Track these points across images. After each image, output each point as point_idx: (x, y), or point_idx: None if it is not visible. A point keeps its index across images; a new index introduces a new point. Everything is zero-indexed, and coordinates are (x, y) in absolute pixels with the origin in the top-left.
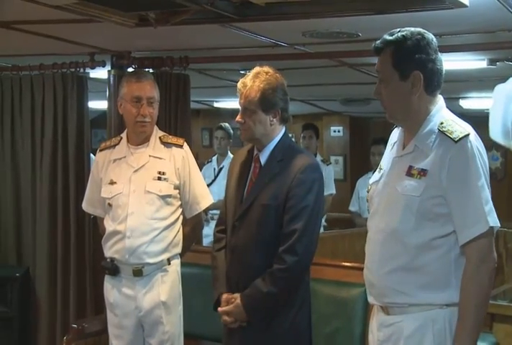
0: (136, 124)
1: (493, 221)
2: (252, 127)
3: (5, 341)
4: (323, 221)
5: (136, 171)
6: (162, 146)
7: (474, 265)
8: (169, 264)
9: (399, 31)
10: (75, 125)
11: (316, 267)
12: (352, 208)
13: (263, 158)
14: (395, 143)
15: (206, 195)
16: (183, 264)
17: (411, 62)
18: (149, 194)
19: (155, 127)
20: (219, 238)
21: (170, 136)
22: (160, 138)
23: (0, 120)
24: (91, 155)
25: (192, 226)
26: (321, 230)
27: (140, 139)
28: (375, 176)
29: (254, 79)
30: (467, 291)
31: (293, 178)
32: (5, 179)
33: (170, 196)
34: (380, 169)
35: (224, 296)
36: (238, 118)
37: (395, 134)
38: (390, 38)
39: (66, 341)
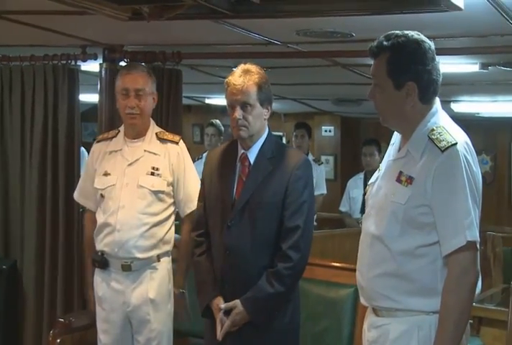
0: (126, 116)
1: (471, 235)
2: (252, 123)
3: None
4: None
5: (130, 164)
6: (158, 141)
7: (455, 278)
8: (158, 261)
9: (396, 36)
10: (65, 117)
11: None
12: (343, 208)
13: (252, 156)
14: (393, 145)
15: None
16: (173, 261)
17: (406, 72)
18: (142, 188)
19: (152, 122)
20: (200, 243)
21: (167, 133)
22: (156, 134)
23: None
24: (82, 148)
25: (188, 225)
26: None
27: (134, 132)
28: (373, 177)
29: (248, 74)
30: (447, 304)
31: (290, 174)
32: None
33: (162, 192)
34: (379, 170)
35: (222, 305)
36: (237, 114)
37: (395, 135)
38: (386, 44)
39: (52, 335)
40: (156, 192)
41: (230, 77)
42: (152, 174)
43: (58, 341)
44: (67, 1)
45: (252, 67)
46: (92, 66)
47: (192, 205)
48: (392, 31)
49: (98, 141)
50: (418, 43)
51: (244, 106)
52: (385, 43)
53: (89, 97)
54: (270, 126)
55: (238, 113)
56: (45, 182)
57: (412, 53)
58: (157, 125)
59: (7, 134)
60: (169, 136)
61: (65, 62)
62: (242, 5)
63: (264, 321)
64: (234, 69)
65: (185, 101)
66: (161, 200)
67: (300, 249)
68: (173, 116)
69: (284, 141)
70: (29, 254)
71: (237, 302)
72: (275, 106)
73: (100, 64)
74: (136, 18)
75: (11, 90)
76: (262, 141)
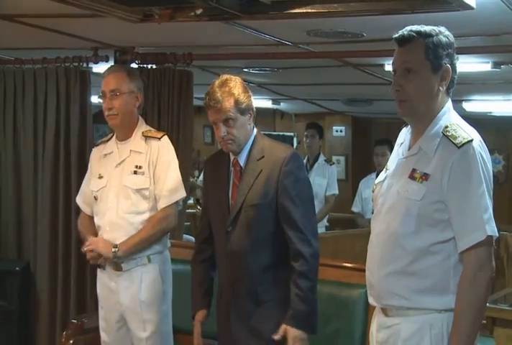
0: (107, 118)
1: (491, 229)
2: (237, 134)
3: (4, 335)
4: (325, 221)
5: (117, 166)
6: (143, 140)
7: (472, 273)
8: (149, 261)
9: (421, 26)
10: (77, 119)
11: None
12: (355, 208)
13: (242, 160)
14: (402, 143)
15: (174, 190)
16: (179, 261)
17: (444, 55)
18: (126, 188)
19: (140, 122)
20: (202, 249)
21: (152, 131)
22: (142, 132)
23: (2, 113)
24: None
25: (159, 217)
26: (323, 230)
27: (121, 134)
28: (381, 176)
29: (223, 89)
30: (463, 300)
31: (279, 172)
32: (6, 173)
33: (146, 189)
34: (386, 169)
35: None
36: (223, 132)
37: (403, 135)
38: (421, 30)
39: (65, 336)
40: (139, 190)
41: (207, 98)
42: (135, 172)
43: (71, 342)
44: (79, 3)
45: (227, 81)
46: (103, 68)
47: (166, 200)
48: (414, 25)
49: (96, 145)
50: (447, 31)
51: (226, 121)
52: (419, 29)
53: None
54: (282, 126)
55: (222, 130)
56: (58, 184)
57: (447, 38)
58: (168, 126)
59: (20, 135)
60: (153, 133)
61: (76, 64)
62: (253, 6)
63: (315, 322)
64: (245, 70)
65: (195, 102)
66: (146, 198)
67: (310, 242)
68: (184, 117)
69: (295, 141)
70: (42, 255)
71: (284, 329)
72: (287, 106)
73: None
74: (148, 20)
75: (24, 92)
76: (250, 144)
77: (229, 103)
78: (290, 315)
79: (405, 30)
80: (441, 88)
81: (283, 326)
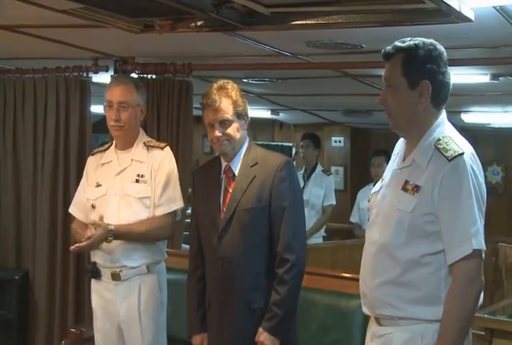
0: (110, 128)
1: (478, 243)
2: (234, 137)
3: (3, 344)
4: (322, 231)
5: (118, 174)
6: (145, 150)
7: (460, 286)
8: (148, 271)
9: (411, 39)
10: (77, 129)
11: (316, 277)
12: (353, 219)
13: (235, 167)
14: (397, 154)
15: (172, 200)
16: (178, 271)
17: (421, 71)
18: (128, 196)
19: (141, 132)
20: (196, 266)
21: (154, 141)
22: (144, 142)
23: (2, 122)
24: None
25: (158, 220)
26: (320, 240)
27: (123, 143)
28: (376, 186)
29: (222, 91)
30: (451, 313)
31: (273, 178)
32: (6, 182)
33: (148, 198)
34: (382, 179)
35: None
36: (217, 133)
37: (399, 145)
38: (402, 45)
39: None
40: (141, 199)
41: (205, 98)
42: (137, 181)
43: None
44: (80, 14)
45: (225, 84)
46: (103, 78)
47: (163, 209)
48: (406, 38)
49: (92, 154)
50: (433, 45)
51: (223, 122)
52: (400, 45)
53: (100, 108)
54: (281, 136)
55: (217, 130)
56: (56, 193)
57: (428, 53)
58: (167, 136)
59: (20, 144)
60: (155, 143)
61: (76, 74)
62: (253, 17)
63: (287, 330)
64: (244, 80)
65: (194, 112)
66: (148, 206)
67: (296, 249)
68: (184, 126)
69: (293, 151)
70: (41, 264)
71: (260, 330)
72: (286, 116)
73: (111, 76)
74: (148, 30)
75: (24, 102)
76: (243, 150)
77: (227, 104)
78: (265, 319)
79: (389, 46)
80: (419, 104)
81: (259, 330)
